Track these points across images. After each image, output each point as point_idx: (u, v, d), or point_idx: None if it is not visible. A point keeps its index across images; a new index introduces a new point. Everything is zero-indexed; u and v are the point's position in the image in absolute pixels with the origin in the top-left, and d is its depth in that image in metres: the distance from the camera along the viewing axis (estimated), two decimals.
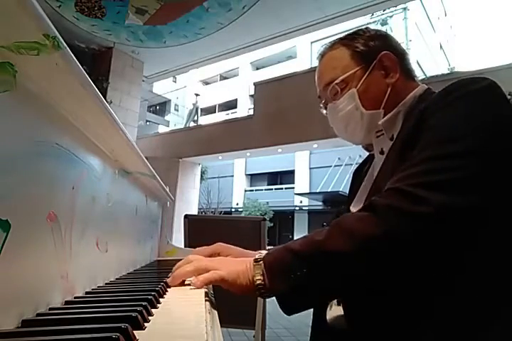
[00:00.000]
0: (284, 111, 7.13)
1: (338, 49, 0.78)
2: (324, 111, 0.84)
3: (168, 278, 0.66)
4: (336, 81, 0.75)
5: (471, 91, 0.59)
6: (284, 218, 17.72)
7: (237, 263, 0.61)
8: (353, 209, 0.78)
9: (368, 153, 0.91)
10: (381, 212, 0.53)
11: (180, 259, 0.68)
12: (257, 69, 20.73)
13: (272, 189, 18.94)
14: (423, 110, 0.62)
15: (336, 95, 0.77)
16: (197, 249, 0.82)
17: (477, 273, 0.54)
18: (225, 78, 22.29)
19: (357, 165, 0.95)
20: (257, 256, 0.59)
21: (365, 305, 0.60)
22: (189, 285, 0.62)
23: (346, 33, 0.81)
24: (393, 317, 0.57)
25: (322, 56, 0.82)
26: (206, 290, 0.60)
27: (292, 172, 17.98)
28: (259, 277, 0.57)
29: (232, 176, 19.48)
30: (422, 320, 0.55)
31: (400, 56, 0.76)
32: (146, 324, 0.40)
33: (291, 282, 0.54)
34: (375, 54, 0.74)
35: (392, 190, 0.55)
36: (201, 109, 14.82)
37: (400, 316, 0.57)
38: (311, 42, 17.59)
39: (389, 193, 0.55)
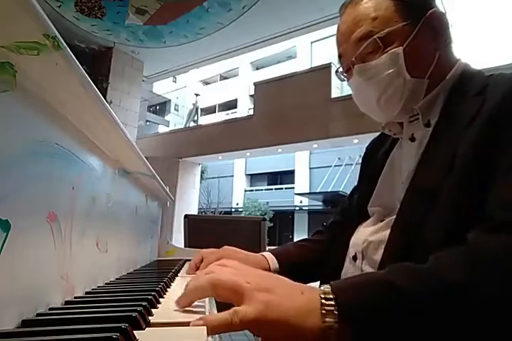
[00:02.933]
0: (284, 111, 7.13)
1: None
2: (342, 77, 0.69)
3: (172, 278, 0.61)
4: (378, 34, 0.60)
5: None
6: (284, 218, 17.71)
7: (292, 294, 0.39)
8: (373, 207, 0.68)
9: (377, 134, 0.79)
10: None
11: (180, 259, 0.66)
12: (257, 69, 20.72)
13: (272, 189, 18.94)
14: (497, 108, 0.51)
15: (372, 53, 0.62)
16: (203, 250, 0.76)
17: None
18: (225, 78, 22.27)
19: (368, 147, 0.81)
20: (323, 289, 0.39)
21: None
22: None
23: None
24: None
25: (352, 2, 0.65)
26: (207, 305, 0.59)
27: (292, 172, 17.97)
28: (330, 324, 0.36)
29: (232, 176, 19.47)
30: None
31: (446, 19, 0.63)
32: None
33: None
34: (423, 9, 0.61)
35: None
36: (201, 109, 14.81)
37: None
38: (311, 42, 17.58)
39: None
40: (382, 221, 0.64)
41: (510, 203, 0.45)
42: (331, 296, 0.38)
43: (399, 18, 0.61)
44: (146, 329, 0.37)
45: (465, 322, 0.38)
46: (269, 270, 0.74)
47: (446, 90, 0.61)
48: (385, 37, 0.60)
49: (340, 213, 0.84)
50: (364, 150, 0.83)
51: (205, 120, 15.15)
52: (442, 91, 0.62)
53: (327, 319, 0.37)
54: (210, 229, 1.91)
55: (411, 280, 0.39)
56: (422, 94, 0.62)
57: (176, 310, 0.46)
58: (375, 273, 0.46)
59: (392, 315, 0.37)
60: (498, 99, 0.52)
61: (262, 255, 0.76)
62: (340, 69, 0.69)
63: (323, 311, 0.37)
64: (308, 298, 0.39)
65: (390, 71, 0.61)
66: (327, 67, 6.97)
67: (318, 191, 15.53)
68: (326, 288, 0.40)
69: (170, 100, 21.67)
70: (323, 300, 0.38)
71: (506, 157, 0.48)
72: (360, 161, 0.86)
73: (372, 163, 0.75)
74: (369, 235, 0.64)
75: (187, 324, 0.38)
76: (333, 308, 0.37)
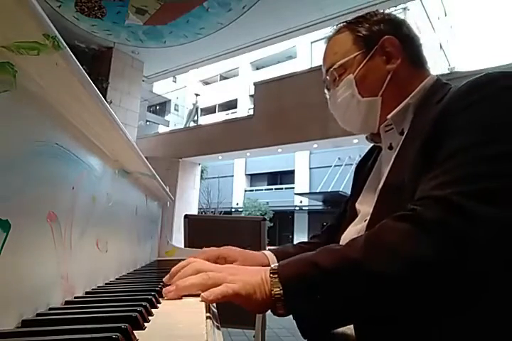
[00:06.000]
0: (284, 111, 7.13)
1: (343, 33, 0.75)
2: (328, 97, 0.81)
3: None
4: (334, 66, 0.73)
5: (502, 88, 0.53)
6: (284, 218, 17.72)
7: (251, 274, 0.53)
8: (360, 206, 0.75)
9: (368, 148, 0.87)
10: (430, 228, 0.46)
11: (181, 260, 0.67)
12: (257, 69, 20.72)
13: (272, 189, 18.94)
14: (445, 107, 0.57)
15: (335, 82, 0.74)
16: (204, 249, 0.79)
17: (500, 293, 0.49)
18: (225, 78, 22.28)
19: (360, 158, 0.90)
20: (272, 266, 0.53)
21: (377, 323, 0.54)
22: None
23: (355, 16, 0.77)
24: (404, 329, 0.52)
25: (328, 40, 0.79)
26: None
27: (292, 172, 17.98)
28: (278, 292, 0.50)
29: (232, 176, 19.47)
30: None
31: (408, 42, 0.72)
32: (146, 324, 0.40)
33: (316, 304, 0.48)
34: (377, 39, 0.71)
35: (437, 199, 0.48)
36: (201, 109, 14.82)
37: (413, 328, 0.52)
38: (311, 42, 17.60)
39: (433, 203, 0.48)
40: (365, 220, 0.69)
41: (422, 196, 0.51)
42: (276, 271, 0.51)
43: (354, 50, 0.72)
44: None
45: (363, 293, 0.47)
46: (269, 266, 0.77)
47: (416, 101, 0.68)
48: (341, 67, 0.72)
49: (336, 218, 0.89)
50: (356, 163, 0.91)
51: (205, 120, 15.15)
52: (412, 102, 0.68)
53: (274, 288, 0.50)
54: (210, 229, 1.91)
55: (328, 258, 0.50)
56: (378, 109, 0.72)
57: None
58: (309, 253, 0.54)
59: (312, 285, 0.49)
60: (444, 104, 0.58)
61: (263, 253, 0.81)
62: (326, 92, 0.81)
63: (271, 282, 0.51)
64: (264, 272, 0.52)
65: (346, 95, 0.73)
66: None
67: (318, 191, 15.54)
68: (275, 265, 0.53)
69: (170, 100, 21.68)
70: (271, 275, 0.51)
71: (439, 153, 0.53)
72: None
73: (363, 172, 0.83)
74: (354, 234, 0.70)
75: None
76: (277, 280, 0.50)
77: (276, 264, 0.53)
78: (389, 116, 0.70)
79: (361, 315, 0.51)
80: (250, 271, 0.55)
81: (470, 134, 0.52)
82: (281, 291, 0.49)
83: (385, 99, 0.70)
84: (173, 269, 0.61)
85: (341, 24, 0.77)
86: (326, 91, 0.81)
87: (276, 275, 0.51)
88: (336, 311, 0.49)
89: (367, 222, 0.67)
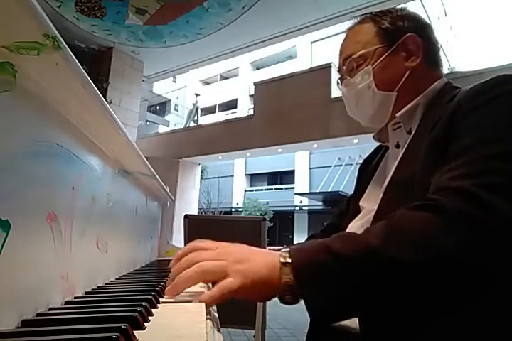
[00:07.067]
0: (284, 111, 7.13)
1: (366, 24, 0.76)
2: (340, 87, 0.82)
3: (168, 278, 0.62)
4: (354, 56, 0.73)
5: (510, 90, 0.56)
6: (284, 218, 17.71)
7: (260, 260, 0.50)
8: (364, 203, 0.75)
9: (375, 146, 0.88)
10: (451, 217, 0.47)
11: None
12: (257, 69, 20.72)
13: (272, 189, 18.94)
14: (456, 107, 0.59)
15: (352, 71, 0.74)
16: (199, 240, 0.77)
17: (507, 283, 0.51)
18: (225, 78, 22.27)
19: (365, 157, 0.90)
20: (283, 251, 0.50)
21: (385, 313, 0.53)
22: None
23: (380, 10, 0.78)
24: (409, 322, 0.52)
25: (349, 29, 0.79)
26: (206, 289, 0.60)
27: (292, 172, 17.98)
28: (288, 279, 0.47)
29: (232, 176, 19.47)
30: (443, 328, 0.51)
31: (428, 42, 0.73)
32: (146, 324, 0.40)
33: (330, 291, 0.47)
34: (400, 34, 0.71)
35: (457, 190, 0.49)
36: (201, 109, 14.81)
37: (418, 323, 0.52)
38: (311, 42, 17.58)
39: (454, 194, 0.49)
40: (371, 213, 0.69)
41: (438, 187, 0.52)
42: (288, 257, 0.48)
43: (376, 42, 0.72)
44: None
45: (381, 280, 0.47)
46: None
47: (426, 101, 0.69)
48: (361, 57, 0.73)
49: (338, 216, 0.88)
50: (361, 162, 0.91)
51: (205, 120, 15.15)
52: (422, 102, 0.69)
53: (284, 275, 0.47)
54: (210, 229, 1.91)
55: (344, 245, 0.48)
56: (391, 104, 0.72)
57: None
58: (323, 239, 0.52)
59: (326, 271, 0.47)
60: (455, 103, 0.60)
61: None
62: (338, 81, 0.82)
63: (281, 268, 0.48)
64: (272, 257, 0.49)
65: (362, 85, 0.73)
66: (327, 67, 6.97)
67: (318, 191, 15.53)
68: (286, 251, 0.50)
69: (170, 100, 21.67)
70: (281, 259, 0.48)
71: (453, 148, 0.55)
72: (360, 161, 0.91)
73: (367, 170, 0.83)
74: (357, 230, 0.69)
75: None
76: (288, 266, 0.48)
77: (287, 249, 0.50)
78: (398, 114, 0.70)
79: (375, 303, 0.49)
80: (258, 256, 0.51)
81: (484, 131, 0.54)
82: (292, 278, 0.47)
83: (399, 96, 0.71)
84: (172, 262, 0.57)
85: (365, 15, 0.78)
86: (338, 81, 0.81)
87: (289, 259, 0.48)
88: (348, 299, 0.48)
89: (372, 216, 0.67)
